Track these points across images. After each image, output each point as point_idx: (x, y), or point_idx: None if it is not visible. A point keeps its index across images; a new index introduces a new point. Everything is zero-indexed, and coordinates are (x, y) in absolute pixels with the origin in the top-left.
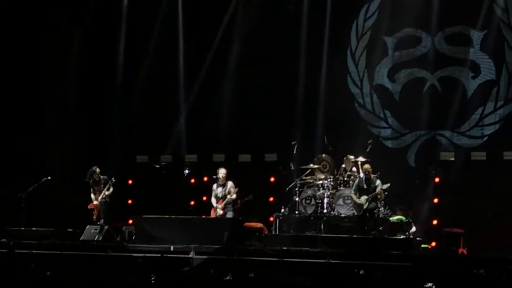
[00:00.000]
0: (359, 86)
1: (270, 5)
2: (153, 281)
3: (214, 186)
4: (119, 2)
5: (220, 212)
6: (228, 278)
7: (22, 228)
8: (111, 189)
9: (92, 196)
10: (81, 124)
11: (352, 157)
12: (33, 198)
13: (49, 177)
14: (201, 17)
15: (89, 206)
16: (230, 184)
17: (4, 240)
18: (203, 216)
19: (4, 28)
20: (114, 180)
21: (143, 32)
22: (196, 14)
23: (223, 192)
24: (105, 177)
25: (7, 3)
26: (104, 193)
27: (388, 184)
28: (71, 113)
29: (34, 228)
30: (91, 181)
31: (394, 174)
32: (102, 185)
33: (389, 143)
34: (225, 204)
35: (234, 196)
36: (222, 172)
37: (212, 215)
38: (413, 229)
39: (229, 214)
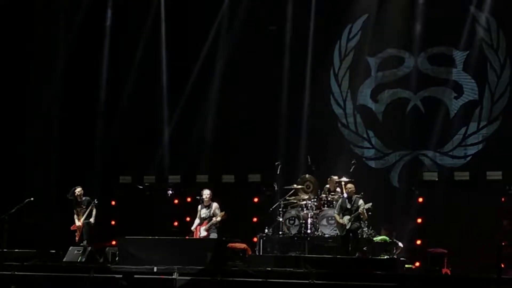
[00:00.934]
0: (342, 107)
1: (252, 25)
2: None
3: (199, 207)
4: (102, 21)
5: (204, 233)
6: None
7: (4, 250)
8: (94, 210)
9: (75, 217)
10: (64, 145)
11: (336, 177)
12: (15, 219)
13: (32, 198)
14: (183, 39)
15: (72, 227)
16: (215, 205)
17: None
18: (187, 237)
19: None
20: (96, 202)
21: (126, 52)
22: (178, 36)
23: (207, 213)
24: (88, 198)
25: None
26: (87, 215)
27: (370, 204)
28: (54, 133)
29: (16, 250)
30: (73, 201)
31: (378, 194)
32: (84, 206)
33: (372, 163)
34: (209, 226)
35: (219, 218)
36: (206, 193)
37: (196, 235)
38: (400, 244)
39: (213, 235)
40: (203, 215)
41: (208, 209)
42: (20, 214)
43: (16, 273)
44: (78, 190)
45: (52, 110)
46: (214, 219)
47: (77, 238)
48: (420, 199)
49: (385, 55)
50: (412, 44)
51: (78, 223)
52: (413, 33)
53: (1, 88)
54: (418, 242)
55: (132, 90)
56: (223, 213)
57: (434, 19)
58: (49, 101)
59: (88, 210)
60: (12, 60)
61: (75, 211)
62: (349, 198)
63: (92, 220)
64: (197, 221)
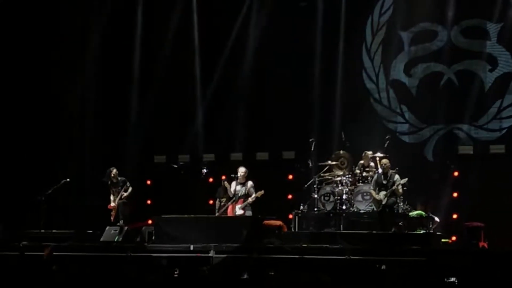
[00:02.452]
0: (374, 82)
1: (284, 2)
2: (176, 275)
3: (233, 183)
4: (135, 5)
5: (240, 211)
6: (247, 276)
7: (42, 231)
8: (129, 190)
9: (111, 197)
10: (99, 125)
11: (370, 152)
12: (52, 200)
13: (68, 179)
14: (216, 16)
15: (108, 207)
16: (250, 183)
17: (25, 242)
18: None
19: (19, 32)
20: (129, 185)
21: (159, 31)
22: (211, 14)
23: (242, 191)
24: (123, 178)
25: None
26: (122, 194)
27: (406, 179)
28: (88, 114)
29: (54, 230)
30: (109, 182)
31: (412, 169)
32: (120, 187)
33: (406, 138)
34: (245, 204)
35: (254, 197)
36: (241, 170)
37: (230, 213)
38: (436, 219)
39: (248, 213)
40: (238, 193)
41: (243, 186)
42: (56, 195)
43: (53, 253)
44: (114, 171)
45: (86, 91)
46: (250, 199)
47: (112, 218)
48: (456, 173)
49: (418, 29)
50: (445, 18)
51: (113, 203)
52: (446, 6)
53: (34, 70)
54: (454, 216)
55: (165, 69)
56: (261, 191)
57: None
58: (82, 83)
59: (123, 189)
60: (44, 42)
61: (111, 191)
62: (385, 173)
63: (126, 195)
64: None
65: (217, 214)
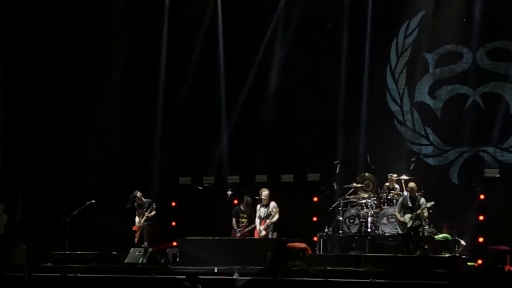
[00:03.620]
0: (398, 104)
1: (309, 24)
2: None
3: (258, 206)
4: (160, 23)
5: (263, 232)
6: None
7: (67, 252)
8: (153, 212)
9: (136, 218)
10: (124, 147)
11: (395, 175)
12: (77, 221)
13: (93, 201)
14: (241, 38)
15: (133, 228)
16: (272, 204)
17: (49, 264)
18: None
19: (44, 47)
20: (154, 206)
21: (184, 51)
22: (236, 34)
23: (266, 212)
24: (149, 200)
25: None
26: (147, 216)
27: (432, 202)
28: (113, 135)
29: (79, 252)
30: (135, 204)
31: (437, 191)
32: (145, 208)
33: (430, 160)
34: (267, 225)
35: (275, 218)
36: (264, 192)
37: (256, 235)
38: (462, 242)
39: (271, 235)
40: (261, 214)
41: (266, 207)
42: (81, 216)
43: (78, 275)
44: (138, 194)
45: (111, 112)
46: (268, 221)
47: (136, 239)
48: (482, 196)
49: (443, 51)
50: (470, 40)
51: (138, 224)
52: (471, 28)
53: (60, 91)
54: (480, 239)
55: (190, 91)
56: (278, 210)
57: (492, 14)
58: (107, 104)
59: (148, 211)
60: (69, 64)
61: (136, 212)
62: (411, 196)
63: (150, 217)
64: (257, 220)
65: (238, 235)
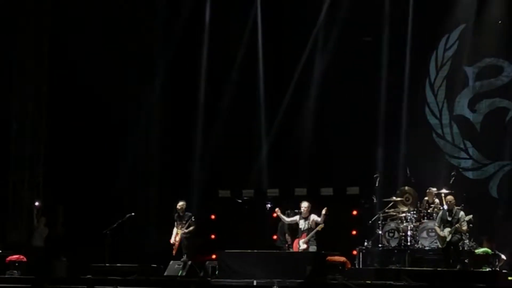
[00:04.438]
0: (437, 117)
1: (349, 37)
2: None
3: (297, 218)
4: (200, 37)
5: (304, 246)
6: None
7: (107, 264)
8: (192, 227)
9: (174, 230)
10: (164, 160)
11: (434, 189)
12: (117, 234)
13: (133, 214)
14: (281, 51)
15: (171, 241)
16: (312, 217)
17: (90, 276)
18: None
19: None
20: (193, 219)
21: (224, 64)
22: (276, 47)
23: (305, 225)
24: (189, 213)
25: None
26: (184, 230)
27: (471, 216)
28: (154, 148)
29: (118, 264)
30: (175, 215)
31: (477, 205)
32: (185, 221)
33: (469, 174)
34: (308, 238)
35: (315, 231)
36: (304, 205)
37: (295, 248)
38: (503, 256)
39: (312, 248)
40: (301, 227)
41: (306, 221)
42: (121, 229)
43: (118, 287)
44: (180, 204)
45: (151, 125)
46: (309, 235)
47: (174, 252)
48: None
49: (483, 64)
50: (511, 53)
51: (177, 237)
52: None
53: (102, 106)
54: None
55: (230, 103)
56: (321, 225)
57: None
58: (148, 116)
59: (187, 224)
60: (110, 76)
61: (176, 224)
62: (450, 210)
63: (188, 231)
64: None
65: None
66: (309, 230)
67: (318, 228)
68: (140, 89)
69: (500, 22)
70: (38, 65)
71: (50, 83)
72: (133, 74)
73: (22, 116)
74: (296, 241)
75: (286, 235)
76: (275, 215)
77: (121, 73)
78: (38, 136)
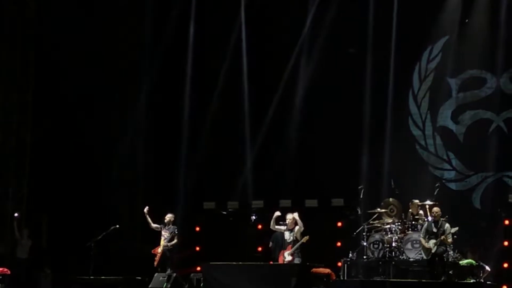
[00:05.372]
0: (421, 128)
1: (333, 49)
2: None
3: (283, 227)
4: (185, 48)
5: (289, 258)
6: None
7: (91, 277)
8: (174, 241)
9: (162, 242)
10: (149, 172)
11: (417, 201)
12: (101, 246)
13: (117, 226)
14: (265, 64)
15: (153, 251)
16: (297, 229)
17: None
18: (271, 262)
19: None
20: (176, 232)
21: (208, 77)
22: (260, 61)
23: (291, 237)
24: (175, 226)
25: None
26: (167, 244)
27: (457, 228)
28: (139, 159)
29: (103, 277)
30: (160, 226)
31: (460, 216)
32: (169, 234)
33: (452, 185)
34: (293, 250)
35: (300, 243)
36: (289, 217)
37: (280, 260)
38: (487, 268)
39: (297, 260)
40: (286, 239)
41: (291, 232)
42: (106, 241)
43: None
44: (169, 216)
45: (136, 137)
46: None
47: (155, 263)
48: (506, 222)
49: (466, 76)
50: (494, 65)
51: (158, 249)
52: (495, 53)
53: (86, 116)
54: (505, 265)
55: (214, 116)
56: (306, 237)
57: None
58: (133, 129)
59: (169, 237)
60: (95, 85)
61: (161, 235)
62: (435, 221)
63: (171, 244)
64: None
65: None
66: (294, 242)
67: (303, 240)
68: (125, 100)
69: (467, 21)
70: (23, 74)
71: (34, 92)
72: (118, 86)
73: (6, 127)
74: (281, 252)
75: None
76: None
77: (106, 84)
78: (23, 147)
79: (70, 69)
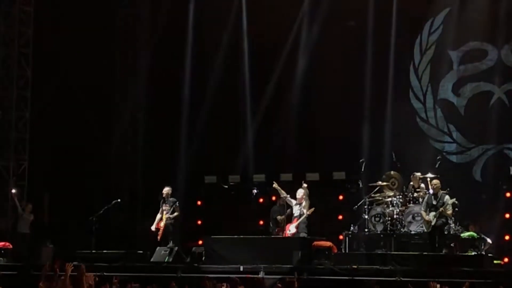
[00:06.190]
0: (421, 101)
1: (334, 21)
2: None
3: (293, 201)
4: (185, 22)
5: (294, 230)
6: None
7: (93, 251)
8: (176, 214)
9: (158, 215)
10: (150, 147)
11: (418, 174)
12: (103, 221)
13: (119, 200)
14: (265, 38)
15: (156, 226)
16: (305, 203)
17: (76, 263)
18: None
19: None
20: (178, 205)
21: (209, 52)
22: (260, 36)
23: (298, 212)
24: (174, 199)
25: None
26: (169, 216)
27: (454, 199)
28: (140, 135)
29: (105, 251)
30: (161, 201)
31: (461, 189)
32: (169, 207)
33: (453, 158)
34: (299, 223)
35: (306, 215)
36: (300, 191)
37: (286, 234)
38: (488, 240)
39: (302, 234)
40: (294, 213)
41: (299, 206)
42: (108, 215)
43: (105, 273)
44: (166, 189)
45: (137, 113)
46: (302, 217)
47: (159, 237)
48: (508, 194)
49: (468, 48)
50: (495, 37)
51: (161, 223)
52: (497, 25)
53: (88, 92)
54: (507, 237)
55: (216, 90)
56: (312, 209)
57: None
58: (134, 105)
59: (171, 210)
60: (96, 64)
61: (160, 210)
62: (435, 194)
63: (172, 217)
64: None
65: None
66: (300, 216)
67: (309, 212)
68: (125, 76)
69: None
70: (22, 52)
71: (34, 68)
72: (119, 61)
73: (7, 103)
74: (287, 225)
75: (278, 219)
76: (275, 185)
77: (107, 60)
78: (23, 123)
79: (68, 47)
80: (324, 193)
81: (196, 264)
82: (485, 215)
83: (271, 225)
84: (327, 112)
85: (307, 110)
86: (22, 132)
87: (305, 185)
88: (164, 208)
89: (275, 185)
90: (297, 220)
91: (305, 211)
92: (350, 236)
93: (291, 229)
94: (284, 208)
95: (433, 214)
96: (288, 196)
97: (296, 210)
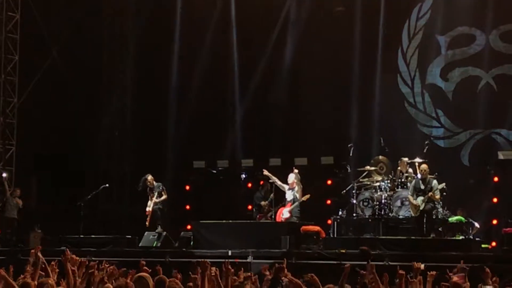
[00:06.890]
0: (409, 86)
1: (321, 6)
2: None
3: (286, 186)
4: (172, 6)
5: (287, 215)
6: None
7: (81, 236)
8: (163, 197)
9: (149, 202)
10: (138, 131)
11: (406, 159)
12: (91, 206)
13: (107, 185)
14: (253, 23)
15: (146, 212)
16: (296, 189)
17: (64, 247)
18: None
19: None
20: (164, 188)
21: (197, 37)
22: (249, 19)
23: (291, 196)
24: (159, 184)
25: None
26: (155, 201)
27: (443, 184)
28: (128, 120)
29: (93, 236)
30: (147, 189)
31: (448, 173)
32: (155, 192)
33: (441, 143)
34: (292, 208)
35: (299, 201)
36: (292, 176)
37: (278, 216)
38: (476, 224)
39: (294, 219)
40: (287, 197)
41: (292, 191)
42: (96, 200)
43: (93, 258)
44: (149, 177)
45: (125, 98)
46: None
47: (147, 223)
48: (495, 178)
49: (456, 33)
50: (483, 22)
51: (148, 208)
52: (485, 10)
53: (76, 77)
54: (494, 221)
55: (203, 75)
56: (307, 195)
57: None
58: (122, 89)
59: (156, 195)
60: (83, 52)
61: (149, 196)
62: (423, 179)
63: (160, 201)
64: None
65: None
66: (293, 200)
67: (304, 198)
68: (112, 61)
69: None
70: (10, 37)
71: (21, 54)
72: (107, 46)
73: None
74: (280, 209)
75: (262, 204)
76: (265, 172)
77: (95, 45)
78: (11, 108)
79: (56, 32)
80: (312, 178)
81: (184, 249)
82: (473, 199)
83: (254, 210)
84: (315, 97)
85: (295, 95)
86: (10, 117)
87: (296, 170)
88: (151, 194)
89: (265, 172)
90: (291, 205)
91: (297, 195)
92: (338, 220)
93: (284, 213)
94: (267, 194)
95: (421, 199)
96: (280, 181)
97: (289, 195)
